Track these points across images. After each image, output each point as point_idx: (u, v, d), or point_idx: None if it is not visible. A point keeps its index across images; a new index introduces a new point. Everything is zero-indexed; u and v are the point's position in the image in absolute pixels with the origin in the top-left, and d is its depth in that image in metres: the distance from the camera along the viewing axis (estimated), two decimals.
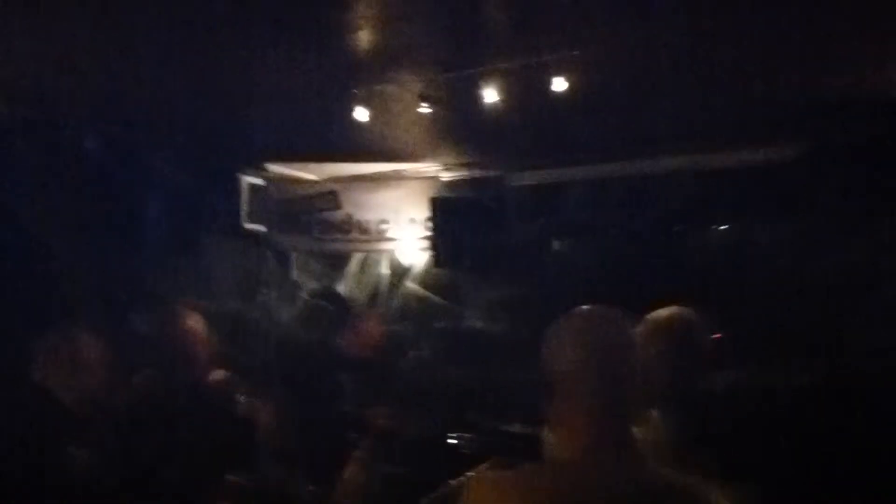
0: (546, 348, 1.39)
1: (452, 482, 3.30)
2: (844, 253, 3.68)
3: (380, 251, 4.91)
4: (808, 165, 3.77)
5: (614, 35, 2.86)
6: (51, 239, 3.65)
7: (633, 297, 3.98)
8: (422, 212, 4.72)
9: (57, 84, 3.44)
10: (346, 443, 3.41)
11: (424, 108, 3.27)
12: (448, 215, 4.55)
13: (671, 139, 3.98)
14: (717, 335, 3.45)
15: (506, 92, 3.37)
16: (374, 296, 4.97)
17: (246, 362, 4.52)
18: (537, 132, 4.13)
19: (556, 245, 4.49)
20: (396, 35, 2.93)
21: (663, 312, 2.23)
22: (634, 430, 1.37)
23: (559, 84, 3.10)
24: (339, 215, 4.85)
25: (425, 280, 4.83)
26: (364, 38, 3.04)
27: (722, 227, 4.25)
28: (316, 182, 4.95)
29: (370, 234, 4.83)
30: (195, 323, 2.69)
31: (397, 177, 4.82)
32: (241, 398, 2.74)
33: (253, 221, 4.91)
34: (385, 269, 4.99)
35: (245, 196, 4.87)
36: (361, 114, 3.39)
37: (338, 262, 5.09)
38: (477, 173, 4.67)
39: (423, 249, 4.81)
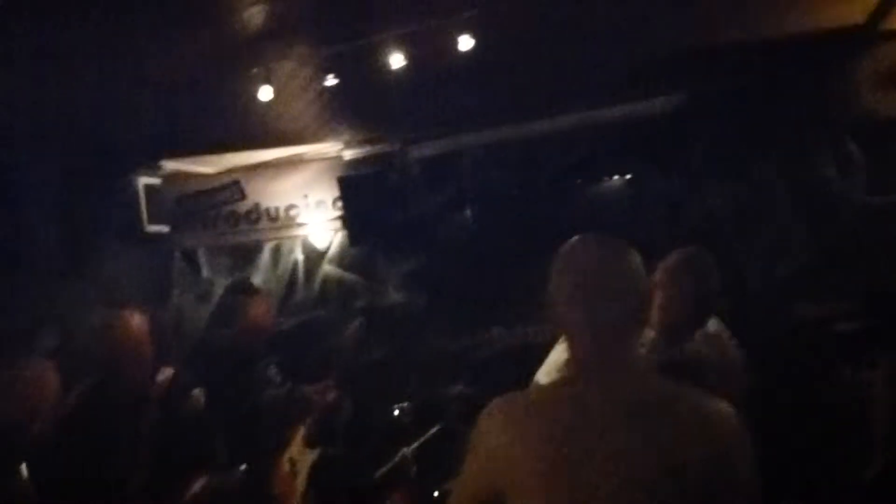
0: (552, 274, 1.44)
1: (405, 450, 3.44)
2: (728, 196, 3.96)
3: (292, 237, 4.87)
4: (687, 115, 4.01)
5: None
6: None
7: (537, 251, 4.19)
8: (329, 193, 4.71)
9: None
10: (291, 422, 3.46)
11: (331, 80, 3.25)
12: (355, 193, 4.56)
13: (562, 98, 4.13)
14: None
15: (401, 61, 3.39)
16: (291, 283, 4.94)
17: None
18: (433, 102, 4.19)
19: (462, 210, 4.58)
20: (289, 8, 2.90)
21: (681, 254, 2.33)
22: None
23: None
24: (245, 206, 4.78)
25: (342, 261, 4.85)
26: (255, 16, 3.00)
27: (614, 179, 4.44)
28: (215, 175, 4.84)
29: (280, 221, 4.79)
30: (140, 323, 2.64)
31: (300, 160, 4.78)
32: (195, 392, 2.72)
33: (155, 223, 4.76)
34: (300, 255, 4.96)
35: (142, 197, 4.71)
36: (265, 92, 3.33)
37: (249, 253, 5.02)
38: (378, 148, 4.70)
39: (336, 230, 4.82)
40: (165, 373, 2.72)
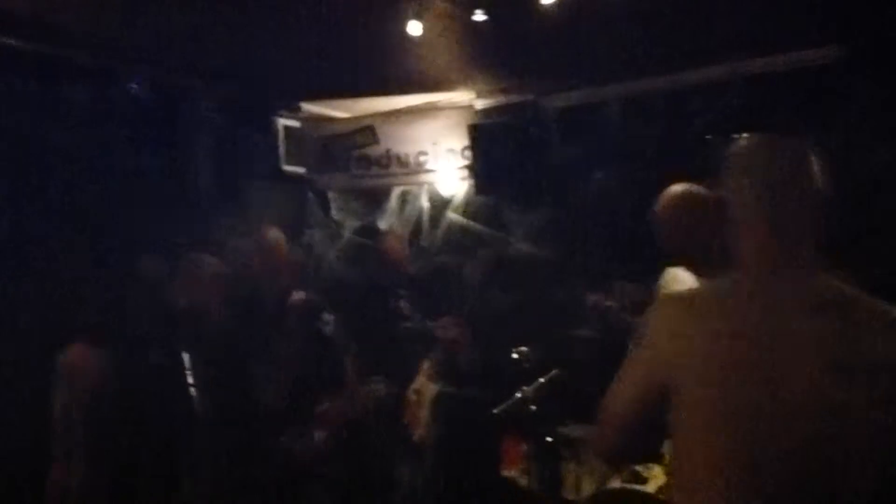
0: (724, 176, 1.45)
1: (525, 388, 3.45)
2: (883, 155, 3.67)
3: (419, 183, 4.94)
4: (848, 67, 3.74)
5: None
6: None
7: None
8: (459, 141, 4.73)
9: (103, 30, 3.48)
10: (417, 356, 3.56)
11: (479, 16, 3.26)
12: (485, 143, 4.56)
13: (710, 47, 3.95)
14: None
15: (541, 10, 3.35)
16: (416, 229, 5.02)
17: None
18: (571, 50, 4.11)
19: (595, 165, 4.48)
20: None
21: None
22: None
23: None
24: (377, 151, 4.87)
25: (467, 209, 4.87)
26: None
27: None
28: (352, 119, 4.96)
29: (409, 167, 4.86)
30: (281, 243, 2.77)
31: (432, 108, 4.82)
32: (325, 316, 2.81)
33: (292, 163, 4.96)
34: (425, 202, 5.03)
35: (282, 138, 4.91)
36: (414, 28, 3.39)
37: (377, 198, 5.14)
38: (511, 98, 4.67)
39: (463, 179, 4.84)
40: (299, 295, 2.80)
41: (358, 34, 3.81)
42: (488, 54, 4.20)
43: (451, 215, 4.94)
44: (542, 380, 3.40)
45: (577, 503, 3.37)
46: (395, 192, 5.11)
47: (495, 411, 3.35)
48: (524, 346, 3.70)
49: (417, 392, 3.53)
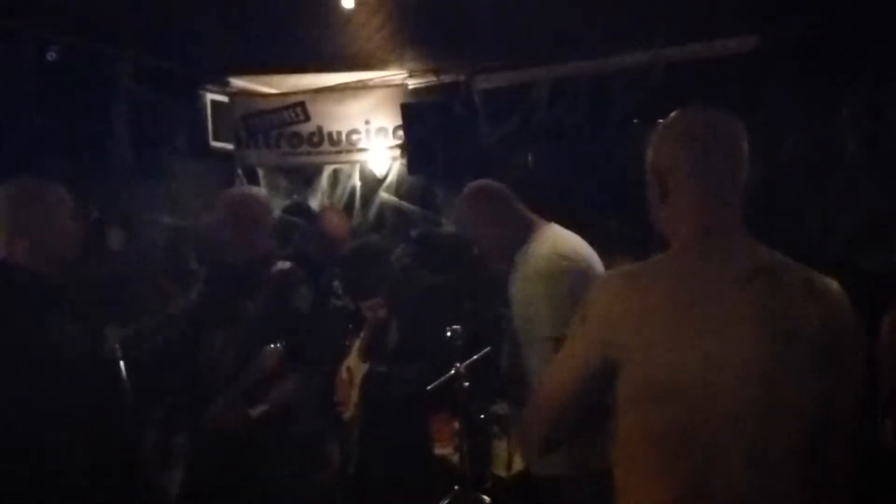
0: (657, 148, 1.44)
1: (458, 365, 3.52)
2: (799, 144, 3.87)
3: (351, 162, 4.93)
4: (764, 56, 3.92)
5: None
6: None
7: (601, 188, 4.16)
8: (391, 120, 4.74)
9: None
10: (347, 334, 3.58)
11: None
12: (418, 121, 4.57)
13: (634, 35, 4.07)
14: None
15: None
16: (348, 208, 5.01)
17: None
18: (502, 33, 4.16)
19: (526, 145, 4.57)
20: None
21: None
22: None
23: None
24: (307, 128, 4.83)
25: (399, 189, 4.89)
26: None
27: None
28: (281, 95, 4.90)
29: (341, 146, 4.83)
30: (264, 206, 2.71)
31: (364, 86, 4.81)
32: (303, 290, 2.71)
33: (220, 139, 4.86)
34: (357, 181, 5.02)
35: (209, 113, 4.81)
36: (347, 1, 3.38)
37: (308, 176, 5.10)
38: (443, 78, 4.69)
39: (395, 158, 4.86)
40: (282, 265, 2.68)
41: (289, 7, 3.76)
42: (420, 32, 4.22)
43: (383, 195, 4.95)
44: (475, 357, 3.49)
45: (508, 480, 3.49)
46: (327, 171, 5.08)
47: (428, 388, 3.42)
48: (456, 324, 3.78)
49: (349, 370, 3.56)
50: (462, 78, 4.64)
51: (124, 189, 4.19)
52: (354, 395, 3.54)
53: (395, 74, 4.76)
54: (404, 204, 4.84)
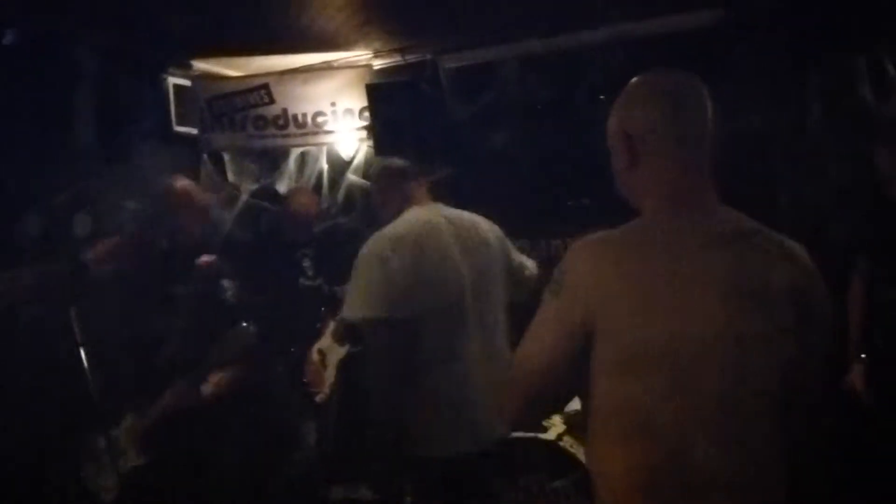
0: (626, 111, 1.41)
1: None
2: (769, 113, 3.89)
3: (318, 144, 4.86)
4: (730, 29, 3.93)
5: None
6: None
7: (569, 165, 4.16)
8: (358, 102, 4.67)
9: None
10: (320, 315, 3.56)
11: None
12: (384, 102, 4.51)
13: (601, 9, 4.05)
14: None
15: None
16: (315, 191, 4.95)
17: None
18: (468, 10, 4.12)
19: (492, 123, 4.54)
20: None
21: None
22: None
23: None
24: (273, 111, 4.74)
25: (367, 170, 4.84)
26: None
27: None
28: (245, 77, 4.82)
29: (307, 128, 4.77)
30: (200, 198, 2.72)
31: (329, 67, 4.74)
32: (226, 282, 2.78)
33: (183, 123, 4.77)
34: (325, 163, 4.96)
35: (172, 97, 4.71)
36: None
37: (275, 159, 5.03)
38: (409, 58, 4.64)
39: (362, 140, 4.80)
40: (206, 258, 2.78)
41: None
42: (384, 11, 4.17)
43: (351, 177, 4.90)
44: None
45: (479, 454, 3.49)
46: (294, 154, 5.01)
47: None
48: None
49: (321, 352, 3.53)
50: (428, 57, 4.59)
51: (88, 174, 4.11)
52: (329, 377, 3.51)
53: (360, 55, 4.70)
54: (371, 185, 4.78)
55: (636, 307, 1.28)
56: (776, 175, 3.74)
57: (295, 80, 4.74)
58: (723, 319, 1.26)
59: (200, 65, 4.76)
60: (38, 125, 3.68)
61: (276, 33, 4.35)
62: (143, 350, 2.59)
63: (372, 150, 4.76)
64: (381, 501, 3.38)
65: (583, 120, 4.02)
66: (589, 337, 1.31)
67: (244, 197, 4.95)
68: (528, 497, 3.14)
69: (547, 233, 4.32)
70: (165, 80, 4.70)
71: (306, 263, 3.74)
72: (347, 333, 3.61)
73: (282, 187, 4.98)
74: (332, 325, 3.59)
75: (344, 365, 3.59)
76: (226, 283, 2.80)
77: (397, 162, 2.69)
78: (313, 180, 4.98)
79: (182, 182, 2.76)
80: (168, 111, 4.72)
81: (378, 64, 4.73)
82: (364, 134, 4.75)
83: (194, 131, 4.81)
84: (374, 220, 4.80)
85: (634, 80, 1.45)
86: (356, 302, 2.29)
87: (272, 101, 4.73)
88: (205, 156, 4.86)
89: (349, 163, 4.90)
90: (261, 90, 4.72)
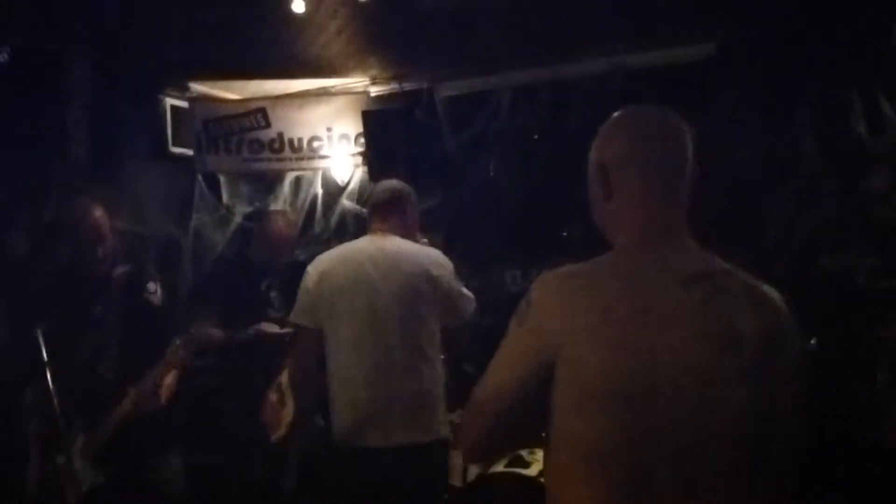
0: (605, 143, 1.40)
1: None
2: (756, 149, 3.91)
3: (313, 169, 4.88)
4: (721, 63, 3.96)
5: None
6: None
7: (564, 196, 4.16)
8: (353, 127, 4.70)
9: None
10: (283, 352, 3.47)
11: None
12: (379, 128, 4.54)
13: (592, 42, 4.10)
14: None
15: None
16: (309, 216, 4.96)
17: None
18: (464, 40, 4.17)
19: (486, 152, 4.56)
20: None
21: None
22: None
23: None
24: (268, 134, 4.77)
25: (361, 196, 4.85)
26: None
27: None
28: (242, 101, 4.85)
29: (302, 153, 4.79)
30: (102, 214, 2.73)
31: (326, 93, 4.78)
32: (150, 285, 2.77)
33: (179, 145, 4.79)
34: (319, 188, 4.97)
35: (169, 118, 4.74)
36: (298, 5, 3.38)
37: (270, 183, 5.04)
38: (406, 86, 4.68)
39: (357, 165, 4.82)
40: (123, 268, 2.79)
41: (245, 11, 3.73)
42: (382, 39, 4.21)
43: (345, 202, 4.90)
44: None
45: (463, 490, 3.42)
46: (289, 178, 5.02)
47: None
48: None
49: (280, 391, 3.45)
50: (425, 85, 4.63)
51: (81, 193, 4.11)
52: (288, 415, 3.39)
53: (357, 81, 4.74)
54: (366, 212, 4.78)
55: (598, 343, 1.25)
56: (767, 208, 3.74)
57: (291, 105, 4.77)
58: (686, 361, 1.23)
59: (198, 87, 4.80)
60: (29, 145, 3.70)
61: (275, 58, 4.39)
62: (82, 370, 2.59)
63: (366, 176, 4.76)
64: None
65: (576, 150, 4.02)
66: (550, 370, 1.28)
67: (237, 219, 4.95)
68: None
69: (539, 262, 4.31)
70: (163, 100, 4.73)
71: (273, 294, 3.68)
72: None
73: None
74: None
75: None
76: (151, 286, 2.80)
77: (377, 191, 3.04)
78: (307, 205, 4.97)
79: (83, 202, 2.76)
80: (165, 132, 4.74)
81: (375, 90, 4.77)
82: (359, 160, 4.77)
83: (190, 152, 4.83)
84: None
85: (616, 113, 1.44)
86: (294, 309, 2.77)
87: (268, 125, 4.76)
88: (199, 177, 4.87)
89: (344, 188, 4.91)
90: (257, 114, 4.75)
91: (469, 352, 3.36)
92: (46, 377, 2.36)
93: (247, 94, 4.85)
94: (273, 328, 3.52)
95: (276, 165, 4.85)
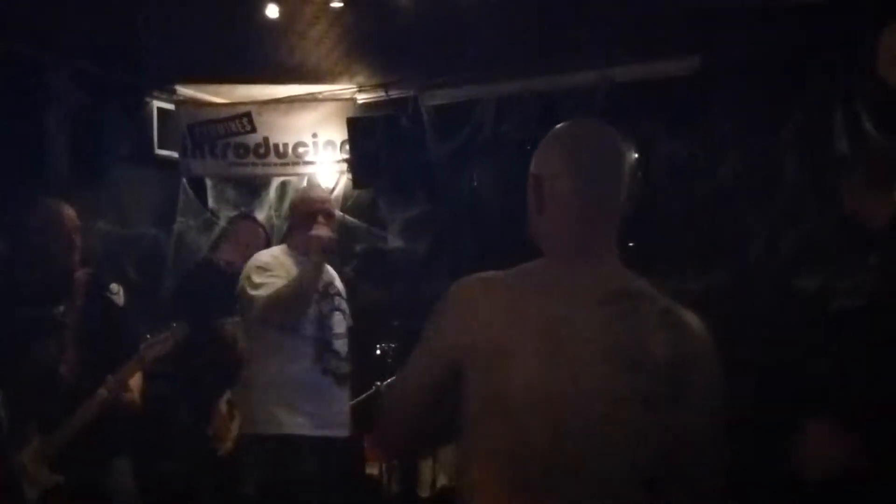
0: (540, 156, 1.40)
1: (379, 384, 3.46)
2: (740, 163, 3.88)
3: (298, 175, 4.86)
4: (705, 78, 3.94)
5: None
6: None
7: None
8: (339, 134, 4.68)
9: None
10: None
11: (336, 3, 3.26)
12: (364, 135, 4.51)
13: (580, 54, 4.08)
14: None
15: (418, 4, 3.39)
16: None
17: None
18: (450, 49, 4.15)
19: (470, 162, 4.54)
20: None
21: None
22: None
23: None
24: (254, 139, 4.76)
25: (345, 203, 4.83)
26: None
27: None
28: (228, 105, 4.84)
29: (287, 158, 4.77)
30: (70, 218, 2.72)
31: (313, 99, 4.77)
32: (112, 286, 2.77)
33: (165, 147, 4.78)
34: None
35: (155, 121, 4.73)
36: (271, 11, 3.37)
37: (256, 188, 5.02)
38: (392, 94, 4.66)
39: (342, 172, 4.80)
40: (84, 271, 2.79)
41: (226, 17, 3.73)
42: (369, 47, 4.20)
43: None
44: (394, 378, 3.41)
45: (431, 499, 3.41)
46: (274, 183, 5.00)
47: (351, 403, 3.34)
48: (386, 341, 3.72)
49: (230, 403, 3.40)
50: (411, 93, 4.62)
51: (61, 196, 4.10)
52: (234, 429, 3.33)
53: (344, 88, 4.73)
54: (349, 218, 4.77)
55: (501, 352, 1.23)
56: (750, 223, 3.71)
57: (277, 110, 4.76)
58: (591, 379, 1.21)
59: (185, 90, 4.79)
60: (8, 148, 3.69)
61: (262, 63, 4.38)
62: (42, 371, 2.58)
63: (350, 183, 4.75)
64: None
65: None
66: (457, 376, 1.26)
67: (222, 223, 4.93)
68: None
69: None
70: (150, 103, 4.71)
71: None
72: None
73: (261, 216, 4.95)
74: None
75: None
76: (114, 286, 2.81)
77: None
78: None
79: (50, 204, 2.75)
80: (151, 134, 4.73)
81: (362, 98, 4.76)
82: (344, 166, 4.75)
83: (176, 155, 4.82)
84: (351, 254, 4.83)
85: (555, 127, 1.43)
86: None
87: (254, 130, 4.74)
88: (184, 181, 4.86)
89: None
90: (243, 118, 4.74)
91: None
92: None
93: (233, 99, 4.85)
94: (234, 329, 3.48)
95: (261, 170, 4.84)
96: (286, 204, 5.01)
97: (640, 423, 1.21)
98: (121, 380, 2.56)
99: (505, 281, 1.32)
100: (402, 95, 4.63)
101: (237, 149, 4.78)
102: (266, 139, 4.75)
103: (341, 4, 3.36)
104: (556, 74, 4.22)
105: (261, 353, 2.92)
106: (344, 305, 3.15)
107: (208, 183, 4.99)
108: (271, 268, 2.94)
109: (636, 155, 4.10)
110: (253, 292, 2.87)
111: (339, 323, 3.06)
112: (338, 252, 3.34)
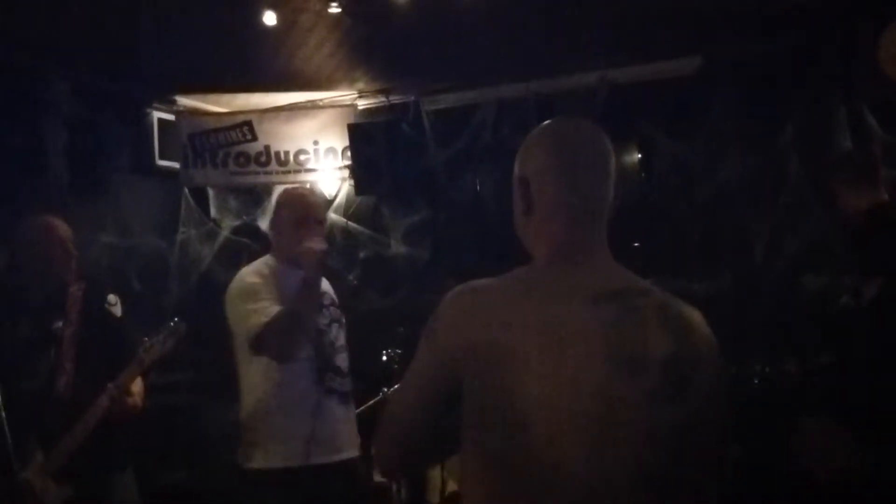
0: (525, 157, 1.37)
1: (386, 390, 3.44)
2: (742, 165, 3.87)
3: (300, 182, 4.84)
4: (707, 78, 3.93)
5: None
6: None
7: None
8: (340, 141, 4.68)
9: None
10: None
11: (334, 9, 3.25)
12: (365, 142, 4.51)
13: (579, 56, 4.07)
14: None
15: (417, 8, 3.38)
16: None
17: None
18: (450, 54, 4.15)
19: (471, 166, 4.53)
20: None
21: None
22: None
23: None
24: (255, 148, 4.76)
25: (347, 210, 4.83)
26: None
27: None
28: (228, 114, 4.84)
29: (289, 166, 4.77)
30: (64, 231, 2.71)
31: (314, 106, 4.77)
32: (110, 298, 2.76)
33: (166, 158, 4.78)
34: None
35: (156, 131, 4.73)
36: (269, 18, 3.36)
37: (258, 196, 5.02)
38: (393, 99, 4.66)
39: (343, 179, 4.80)
40: (79, 285, 2.74)
41: (226, 27, 3.72)
42: (369, 53, 4.19)
43: (332, 216, 4.87)
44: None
45: None
46: (276, 192, 4.99)
47: (357, 411, 3.32)
48: (391, 348, 3.71)
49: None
50: (412, 99, 4.61)
51: (61, 208, 4.10)
52: None
53: (344, 95, 4.73)
54: (352, 225, 4.77)
55: (502, 359, 1.21)
56: (752, 225, 3.70)
57: (278, 118, 4.76)
58: (593, 381, 1.19)
59: (184, 100, 4.79)
60: (6, 160, 3.69)
61: (262, 71, 4.38)
62: (41, 386, 2.56)
63: (353, 190, 4.74)
64: None
65: None
66: (458, 386, 1.25)
67: (225, 233, 4.93)
68: None
69: None
70: (150, 114, 4.72)
71: None
72: None
73: (263, 225, 4.95)
74: None
75: None
76: (111, 298, 2.78)
77: None
78: None
79: (45, 219, 2.73)
80: (152, 145, 4.73)
81: (362, 104, 4.76)
82: (346, 173, 4.75)
83: (177, 165, 4.81)
84: (354, 260, 4.83)
85: (538, 126, 1.41)
86: None
87: (255, 139, 4.74)
88: (186, 191, 4.85)
89: (331, 202, 4.88)
90: (243, 127, 4.74)
91: None
92: None
93: (233, 108, 4.85)
94: None
95: (262, 179, 4.83)
96: None
97: (643, 421, 1.19)
98: (122, 385, 2.53)
99: (498, 287, 1.31)
100: (402, 101, 4.63)
101: (238, 158, 4.78)
102: (267, 147, 4.75)
103: (339, 10, 3.33)
104: (557, 77, 4.21)
105: (257, 382, 2.59)
106: (339, 314, 2.84)
107: (210, 193, 5.00)
108: (258, 290, 2.56)
109: (638, 155, 4.12)
110: (243, 324, 2.54)
111: (339, 335, 2.79)
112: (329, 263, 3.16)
